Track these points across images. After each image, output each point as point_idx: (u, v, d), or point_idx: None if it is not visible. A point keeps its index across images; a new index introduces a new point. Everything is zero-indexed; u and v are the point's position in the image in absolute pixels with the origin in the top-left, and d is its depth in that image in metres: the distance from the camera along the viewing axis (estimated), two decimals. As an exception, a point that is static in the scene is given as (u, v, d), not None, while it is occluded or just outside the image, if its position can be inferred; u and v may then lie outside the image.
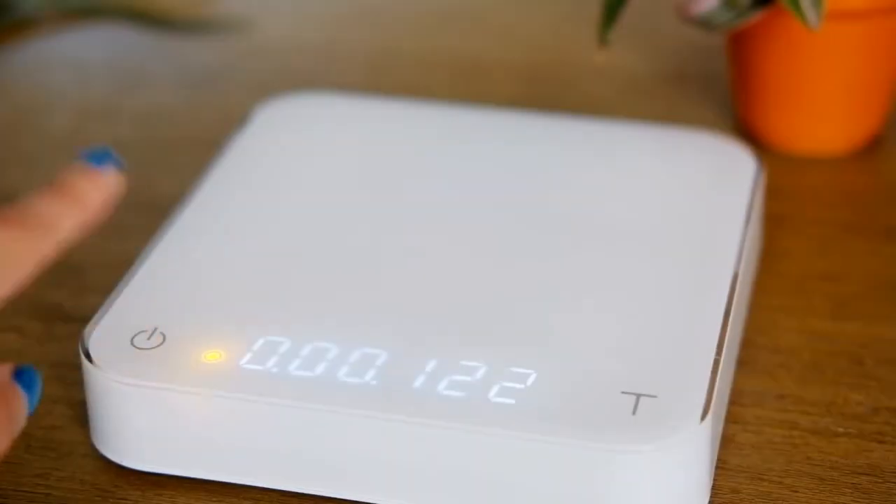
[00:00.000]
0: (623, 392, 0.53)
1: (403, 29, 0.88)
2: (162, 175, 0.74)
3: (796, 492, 0.56)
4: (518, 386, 0.53)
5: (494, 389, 0.53)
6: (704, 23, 0.71)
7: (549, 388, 0.53)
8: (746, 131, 0.76)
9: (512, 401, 0.53)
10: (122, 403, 0.54)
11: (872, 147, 0.76)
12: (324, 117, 0.69)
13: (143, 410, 0.54)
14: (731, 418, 0.59)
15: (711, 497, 0.55)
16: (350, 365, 0.54)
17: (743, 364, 0.61)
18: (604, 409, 0.52)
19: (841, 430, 0.58)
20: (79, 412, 0.59)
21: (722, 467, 0.57)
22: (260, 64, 0.85)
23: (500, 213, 0.62)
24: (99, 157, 0.49)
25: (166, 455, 0.55)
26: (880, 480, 0.56)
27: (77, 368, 0.57)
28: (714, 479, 0.56)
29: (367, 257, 0.60)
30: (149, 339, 0.56)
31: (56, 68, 0.84)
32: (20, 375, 0.49)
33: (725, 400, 0.58)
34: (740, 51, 0.74)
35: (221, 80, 0.83)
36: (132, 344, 0.55)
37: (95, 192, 0.48)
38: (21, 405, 0.49)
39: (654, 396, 0.53)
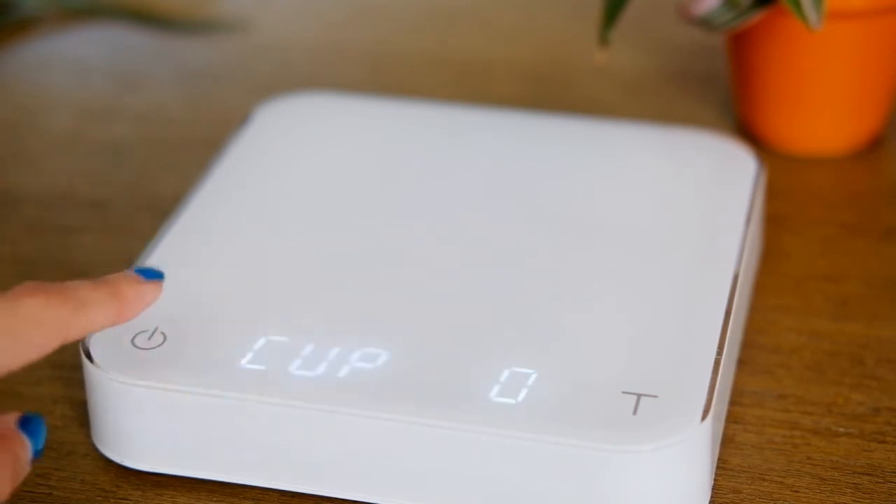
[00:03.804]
0: (624, 392, 0.53)
1: (403, 29, 0.88)
2: (162, 175, 0.74)
3: (797, 492, 0.56)
4: (518, 386, 0.53)
5: (494, 389, 0.53)
6: (705, 23, 0.71)
7: (549, 388, 0.53)
8: (746, 131, 0.76)
9: (512, 401, 0.53)
10: (122, 403, 0.54)
11: (873, 147, 0.76)
12: (324, 117, 0.69)
13: (143, 410, 0.54)
14: (732, 418, 0.59)
15: (712, 497, 0.55)
16: (351, 365, 0.54)
17: (743, 364, 0.61)
18: (604, 409, 0.52)
19: (842, 430, 0.58)
20: (80, 412, 0.59)
21: (723, 467, 0.57)
22: (260, 64, 0.85)
23: (499, 213, 0.62)
24: (148, 273, 0.55)
25: (167, 455, 0.55)
26: (881, 480, 0.56)
27: (78, 368, 0.57)
28: (715, 479, 0.56)
29: (367, 257, 0.60)
30: (149, 338, 0.56)
31: (56, 68, 0.84)
32: (25, 423, 0.51)
33: (726, 400, 0.58)
34: (740, 51, 0.74)
35: (221, 80, 0.83)
36: (133, 344, 0.55)
37: (134, 296, 0.54)
38: (25, 453, 0.50)
39: (655, 396, 0.53)
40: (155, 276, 0.55)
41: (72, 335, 0.50)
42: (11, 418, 0.51)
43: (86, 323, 0.51)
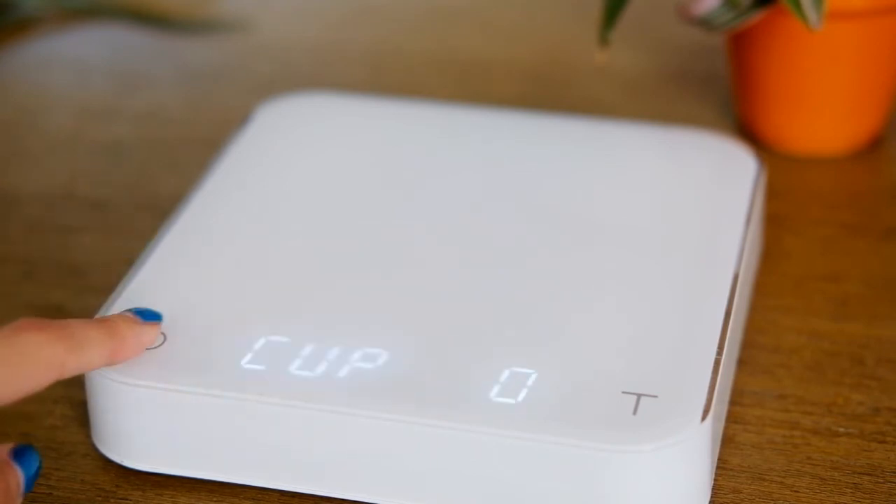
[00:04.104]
0: (623, 392, 0.53)
1: (403, 29, 0.88)
2: (162, 175, 0.74)
3: (797, 492, 0.56)
4: (518, 386, 0.53)
5: (494, 389, 0.53)
6: (705, 23, 0.71)
7: (549, 388, 0.53)
8: (746, 131, 0.76)
9: (512, 401, 0.53)
10: (122, 403, 0.54)
11: (873, 147, 0.76)
12: (324, 117, 0.69)
13: (143, 410, 0.54)
14: (732, 418, 0.59)
15: (712, 497, 0.55)
16: (351, 365, 0.54)
17: (744, 364, 0.61)
18: (604, 409, 0.52)
19: (842, 430, 0.58)
20: (80, 412, 0.59)
21: (723, 467, 0.57)
22: (260, 64, 0.85)
23: (499, 213, 0.62)
24: (146, 315, 0.55)
25: (167, 455, 0.55)
26: (881, 480, 0.56)
27: (78, 368, 0.57)
28: (715, 479, 0.56)
29: (367, 256, 0.60)
30: (149, 339, 0.56)
31: (56, 68, 0.84)
32: (18, 454, 0.51)
33: (726, 400, 0.58)
34: (740, 51, 0.74)
35: (221, 80, 0.83)
36: (133, 344, 0.55)
37: (132, 336, 0.53)
38: (18, 484, 0.51)
39: (655, 396, 0.53)
40: (153, 317, 0.55)
41: (67, 373, 0.51)
42: (4, 449, 0.51)
43: (81, 362, 0.51)
